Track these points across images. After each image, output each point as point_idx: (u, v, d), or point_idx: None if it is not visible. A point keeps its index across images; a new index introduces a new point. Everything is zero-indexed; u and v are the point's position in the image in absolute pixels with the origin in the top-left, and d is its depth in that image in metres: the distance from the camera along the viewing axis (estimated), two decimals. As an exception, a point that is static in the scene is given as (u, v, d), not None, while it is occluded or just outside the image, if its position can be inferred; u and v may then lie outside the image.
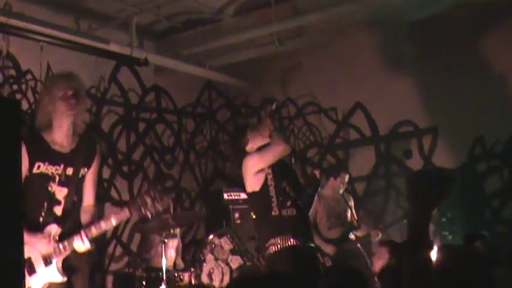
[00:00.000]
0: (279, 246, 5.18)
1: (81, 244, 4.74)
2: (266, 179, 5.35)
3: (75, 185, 4.98)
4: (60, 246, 4.74)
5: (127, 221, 8.28)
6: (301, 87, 9.71)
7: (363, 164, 9.11)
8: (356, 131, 9.24)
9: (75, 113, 4.92)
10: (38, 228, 4.75)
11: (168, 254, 7.24)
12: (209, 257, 6.96)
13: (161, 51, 9.03)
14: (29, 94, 7.55)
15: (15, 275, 3.06)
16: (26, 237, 4.33)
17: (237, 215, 8.65)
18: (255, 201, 5.48)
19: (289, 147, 5.49)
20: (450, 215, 7.82)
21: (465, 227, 7.63)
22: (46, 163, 4.78)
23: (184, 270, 7.17)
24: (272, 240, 5.21)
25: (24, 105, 7.32)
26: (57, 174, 4.85)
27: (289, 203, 5.32)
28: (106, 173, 8.42)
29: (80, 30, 8.01)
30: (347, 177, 7.88)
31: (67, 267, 4.83)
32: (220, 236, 7.07)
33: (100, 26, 8.15)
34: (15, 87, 7.43)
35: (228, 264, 6.90)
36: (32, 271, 4.70)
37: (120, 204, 8.38)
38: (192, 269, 7.03)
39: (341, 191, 7.82)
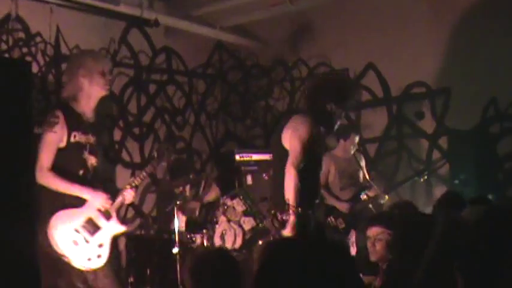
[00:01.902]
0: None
1: (131, 195, 5.23)
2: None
3: (97, 152, 5.23)
4: (117, 200, 5.15)
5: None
6: (313, 48, 9.63)
7: (375, 125, 9.06)
8: (368, 91, 9.17)
9: (109, 89, 5.39)
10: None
11: (180, 216, 7.26)
12: (222, 218, 6.96)
13: (171, 12, 8.95)
14: (39, 57, 7.52)
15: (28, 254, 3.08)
16: (88, 195, 4.88)
17: (249, 176, 8.64)
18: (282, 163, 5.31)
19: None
20: (463, 177, 7.79)
21: (478, 189, 7.59)
22: (79, 132, 5.02)
23: (196, 232, 7.19)
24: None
25: (34, 68, 7.30)
26: (88, 143, 5.09)
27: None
28: (117, 135, 8.43)
29: (89, -9, 7.95)
30: (357, 138, 7.83)
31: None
32: (232, 198, 7.08)
33: (110, -13, 8.08)
34: (24, 50, 7.40)
35: (240, 225, 6.90)
36: (96, 229, 4.95)
37: (131, 166, 8.40)
38: (204, 231, 7.05)
39: (352, 152, 7.79)
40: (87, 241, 4.85)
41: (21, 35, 7.38)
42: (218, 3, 8.74)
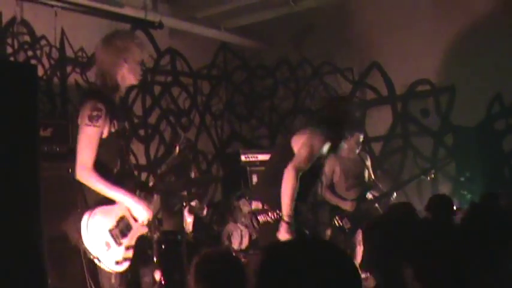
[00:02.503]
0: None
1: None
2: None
3: (130, 139, 5.17)
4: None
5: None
6: (317, 48, 9.64)
7: (380, 123, 9.07)
8: (372, 90, 9.18)
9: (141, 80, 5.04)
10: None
11: (186, 217, 7.26)
12: (228, 219, 7.00)
13: (175, 13, 8.97)
14: (44, 60, 7.55)
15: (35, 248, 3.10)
16: (131, 204, 4.61)
17: (255, 176, 8.63)
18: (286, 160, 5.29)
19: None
20: (469, 174, 7.79)
21: (484, 186, 7.58)
22: (116, 121, 4.71)
23: (203, 232, 7.21)
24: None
25: (40, 71, 7.33)
26: (123, 131, 4.85)
27: None
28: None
29: (93, -6, 7.98)
30: (361, 136, 7.79)
31: None
32: (238, 198, 7.09)
33: (113, -11, 8.11)
34: (30, 53, 7.44)
35: (246, 226, 6.92)
36: (128, 230, 4.70)
37: (136, 168, 8.42)
38: (211, 232, 7.07)
39: (357, 151, 7.76)
40: (117, 243, 4.66)
41: (27, 38, 7.42)
42: (222, 4, 8.76)
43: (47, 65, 7.57)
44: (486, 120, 8.14)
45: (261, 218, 5.28)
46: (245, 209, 7.05)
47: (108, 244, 4.47)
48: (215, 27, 9.23)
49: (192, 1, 9.04)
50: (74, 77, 7.93)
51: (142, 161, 8.59)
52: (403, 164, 8.81)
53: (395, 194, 7.53)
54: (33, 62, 7.32)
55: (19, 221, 3.09)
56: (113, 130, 4.66)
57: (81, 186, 4.56)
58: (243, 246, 6.91)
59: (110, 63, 4.73)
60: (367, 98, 9.25)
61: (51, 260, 6.26)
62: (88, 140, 4.48)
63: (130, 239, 4.69)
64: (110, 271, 4.53)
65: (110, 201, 4.57)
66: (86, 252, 4.45)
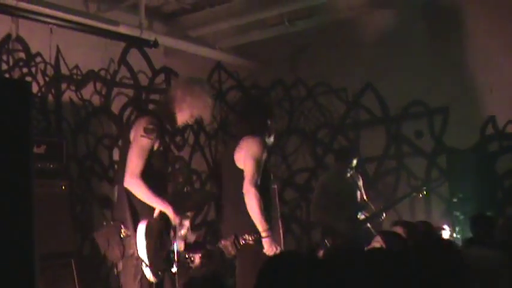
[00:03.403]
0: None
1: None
2: None
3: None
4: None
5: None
6: (311, 68, 9.68)
7: (374, 144, 9.09)
8: (366, 111, 9.21)
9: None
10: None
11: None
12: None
13: (171, 32, 9.01)
14: (39, 77, 7.56)
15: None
16: (169, 212, 4.85)
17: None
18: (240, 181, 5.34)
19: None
20: (462, 196, 7.80)
21: (477, 208, 7.59)
22: (163, 140, 5.04)
23: (195, 251, 7.18)
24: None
25: (34, 88, 7.33)
26: (168, 151, 5.23)
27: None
28: (117, 155, 8.43)
29: (89, 12, 7.99)
30: (355, 161, 7.76)
31: None
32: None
33: (109, 7, 8.12)
34: (25, 70, 7.44)
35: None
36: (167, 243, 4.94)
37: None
38: (203, 251, 7.04)
39: (348, 175, 7.73)
40: (158, 254, 4.80)
41: (22, 55, 7.42)
42: (217, 24, 8.80)
43: (41, 82, 7.57)
44: (479, 142, 8.17)
45: (241, 240, 5.27)
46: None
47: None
48: (210, 46, 9.27)
49: (188, 20, 9.09)
50: (69, 95, 7.93)
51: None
52: (397, 185, 8.82)
53: (384, 214, 7.53)
54: (28, 79, 7.32)
55: (11, 238, 3.09)
56: (160, 148, 4.92)
57: (128, 196, 4.73)
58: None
59: (178, 100, 5.13)
60: (361, 118, 9.27)
61: (43, 278, 6.25)
62: (141, 150, 4.78)
63: (167, 252, 4.93)
64: (150, 279, 4.68)
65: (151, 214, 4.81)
66: (131, 262, 4.70)
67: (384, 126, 9.04)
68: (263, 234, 5.17)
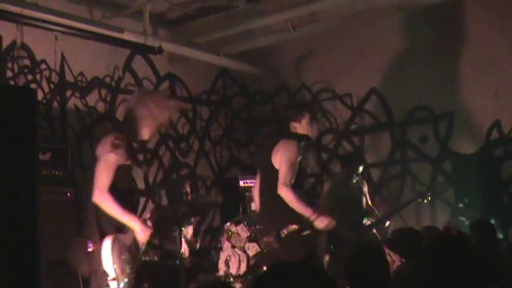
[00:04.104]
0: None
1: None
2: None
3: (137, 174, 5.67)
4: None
5: (143, 210, 8.33)
6: (316, 74, 9.67)
7: (379, 150, 9.07)
8: (371, 116, 9.19)
9: None
10: None
11: (183, 242, 7.24)
12: (226, 244, 6.97)
13: (175, 39, 9.02)
14: (44, 84, 7.57)
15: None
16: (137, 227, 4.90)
17: (253, 202, 8.62)
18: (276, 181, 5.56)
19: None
20: (467, 201, 7.77)
21: (482, 213, 7.57)
22: (131, 155, 5.12)
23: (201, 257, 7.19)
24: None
25: (39, 95, 7.34)
26: (134, 165, 5.34)
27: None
28: (121, 162, 8.44)
29: (93, 19, 8.00)
30: (361, 168, 7.75)
31: None
32: (237, 224, 7.08)
33: (113, 15, 8.14)
34: (30, 77, 7.46)
35: (245, 251, 6.90)
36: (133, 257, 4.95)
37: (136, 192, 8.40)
38: (209, 257, 7.04)
39: (354, 181, 7.72)
40: (126, 268, 4.86)
41: (27, 62, 7.44)
42: (221, 30, 8.80)
43: (46, 89, 7.59)
44: (485, 147, 8.15)
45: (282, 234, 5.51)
46: (243, 234, 7.03)
47: (121, 268, 4.72)
48: (215, 52, 9.27)
49: (192, 27, 9.10)
50: (74, 102, 7.95)
51: (141, 185, 8.56)
52: (402, 190, 8.79)
53: (388, 221, 7.50)
54: (33, 86, 7.34)
55: (17, 244, 3.09)
56: (127, 163, 4.98)
57: (97, 210, 4.78)
58: (241, 271, 6.87)
59: (143, 115, 5.11)
60: (366, 124, 9.26)
61: (48, 285, 6.24)
62: (108, 165, 4.84)
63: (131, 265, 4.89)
64: None
65: (122, 229, 4.86)
66: (99, 277, 4.70)
67: (388, 131, 9.02)
68: (312, 218, 5.50)
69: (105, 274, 4.70)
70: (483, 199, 7.81)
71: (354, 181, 7.65)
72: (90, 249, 4.83)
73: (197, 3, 8.73)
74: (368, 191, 7.82)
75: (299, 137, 5.74)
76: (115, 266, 4.69)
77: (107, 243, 4.69)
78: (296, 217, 5.50)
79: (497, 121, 8.07)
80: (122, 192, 4.95)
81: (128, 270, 4.78)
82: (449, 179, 8.34)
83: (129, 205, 4.98)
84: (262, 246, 6.07)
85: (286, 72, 10.00)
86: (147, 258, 7.73)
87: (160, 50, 8.28)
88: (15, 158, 3.17)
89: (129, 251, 4.84)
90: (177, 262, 6.47)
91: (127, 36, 7.98)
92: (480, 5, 8.23)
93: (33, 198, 3.24)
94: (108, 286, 4.74)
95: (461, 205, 7.83)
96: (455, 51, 8.39)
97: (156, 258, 7.30)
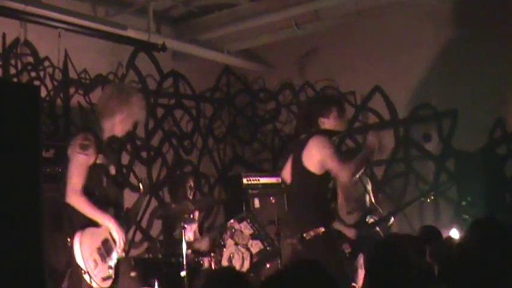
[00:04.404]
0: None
1: None
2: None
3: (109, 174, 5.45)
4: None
5: (146, 207, 8.34)
6: (320, 71, 9.66)
7: (382, 147, 9.05)
8: (375, 114, 9.18)
9: None
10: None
11: (187, 239, 7.25)
12: (229, 242, 6.97)
13: (179, 36, 9.01)
14: (47, 81, 7.57)
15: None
16: (110, 225, 5.04)
17: (256, 200, 8.63)
18: (306, 182, 5.52)
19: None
20: (470, 199, 7.76)
21: (485, 211, 7.56)
22: (102, 155, 5.17)
23: (204, 255, 7.20)
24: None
25: (43, 92, 7.34)
26: (106, 164, 5.32)
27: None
28: (125, 159, 8.45)
29: (97, 16, 8.00)
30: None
31: None
32: (240, 221, 7.08)
33: (117, 11, 8.13)
34: (33, 74, 7.46)
35: (248, 249, 6.91)
36: (111, 250, 5.09)
37: (138, 190, 8.40)
38: (212, 254, 7.05)
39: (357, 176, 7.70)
40: (104, 261, 4.96)
41: (30, 59, 7.44)
42: (225, 28, 8.80)
43: (50, 86, 7.59)
44: (488, 145, 8.13)
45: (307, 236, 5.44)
46: (246, 231, 7.04)
47: (96, 262, 4.88)
48: (218, 50, 9.27)
49: (196, 24, 9.09)
50: (77, 99, 7.95)
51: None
52: (405, 188, 8.78)
53: (392, 219, 7.48)
54: (36, 83, 7.34)
55: (20, 242, 3.09)
56: (98, 162, 5.08)
57: (69, 210, 4.91)
58: (244, 269, 6.87)
59: (116, 112, 5.19)
60: (369, 122, 9.25)
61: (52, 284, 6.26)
62: (78, 166, 4.96)
63: (112, 260, 5.08)
64: (91, 284, 4.81)
65: (95, 224, 4.99)
66: (74, 270, 4.86)
67: (392, 129, 9.00)
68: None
69: (79, 268, 4.81)
70: (486, 197, 7.80)
71: (357, 176, 7.64)
72: (68, 244, 4.90)
73: (201, 1, 8.71)
74: (372, 188, 7.81)
75: (329, 133, 5.59)
76: (87, 259, 4.81)
77: (77, 238, 4.81)
78: (323, 220, 5.48)
79: (500, 119, 8.05)
80: (96, 192, 5.06)
81: (101, 265, 4.91)
82: (452, 177, 8.33)
83: (103, 205, 5.08)
84: (283, 248, 6.02)
85: (290, 70, 9.99)
86: (150, 256, 7.80)
87: (163, 47, 8.27)
88: (19, 155, 3.18)
89: (103, 245, 4.97)
90: (180, 259, 6.48)
91: (130, 33, 7.97)
92: (483, 3, 8.22)
93: (37, 195, 3.25)
94: (82, 278, 4.84)
95: (464, 203, 7.81)
96: (459, 49, 8.36)
97: (160, 256, 7.33)
